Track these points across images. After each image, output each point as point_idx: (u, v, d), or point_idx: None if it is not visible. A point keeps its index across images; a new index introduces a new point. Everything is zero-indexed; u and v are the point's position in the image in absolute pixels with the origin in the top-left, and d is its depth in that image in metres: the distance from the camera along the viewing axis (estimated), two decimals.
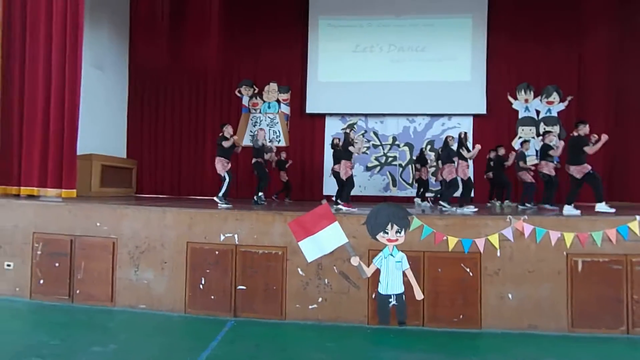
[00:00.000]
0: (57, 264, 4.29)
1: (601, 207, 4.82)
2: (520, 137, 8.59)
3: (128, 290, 4.21)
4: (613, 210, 4.70)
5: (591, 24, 8.36)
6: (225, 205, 5.17)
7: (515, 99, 8.69)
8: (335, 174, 6.30)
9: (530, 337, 3.73)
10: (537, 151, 8.34)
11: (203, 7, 8.92)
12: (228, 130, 5.76)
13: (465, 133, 6.28)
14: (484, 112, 8.60)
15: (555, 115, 8.60)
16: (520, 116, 8.70)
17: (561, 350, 3.45)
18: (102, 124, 7.96)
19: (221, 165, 5.66)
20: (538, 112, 8.67)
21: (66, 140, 5.88)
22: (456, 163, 5.90)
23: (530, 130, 8.63)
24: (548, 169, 6.10)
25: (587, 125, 5.23)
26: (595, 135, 5.72)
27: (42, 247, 4.33)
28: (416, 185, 8.02)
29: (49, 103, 5.96)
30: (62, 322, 3.83)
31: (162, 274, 4.18)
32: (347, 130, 6.11)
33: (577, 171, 5.03)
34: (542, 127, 8.59)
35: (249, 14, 8.88)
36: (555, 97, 8.60)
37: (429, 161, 7.76)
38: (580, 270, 3.85)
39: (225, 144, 5.60)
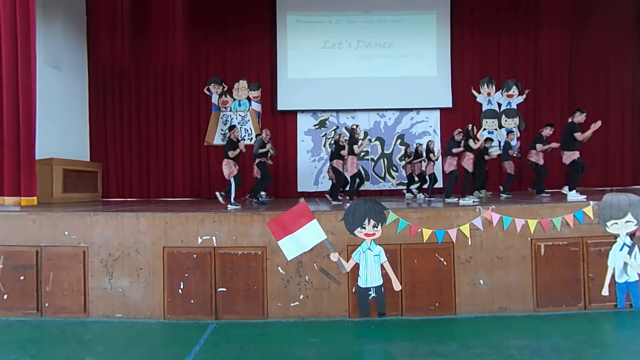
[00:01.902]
0: (22, 277, 4.05)
1: (565, 190, 5.23)
2: (484, 129, 9.02)
3: (102, 299, 4.06)
4: (582, 197, 4.92)
5: (546, 22, 8.90)
6: (234, 207, 5.05)
7: (479, 92, 9.10)
8: (335, 170, 6.26)
9: (501, 319, 3.99)
10: (499, 142, 8.81)
11: (166, 2, 8.58)
12: (235, 134, 5.60)
13: (473, 125, 6.41)
14: (450, 105, 8.94)
15: (515, 107, 9.10)
16: (483, 109, 9.12)
17: (529, 329, 3.70)
18: (61, 126, 7.52)
19: (228, 169, 5.46)
20: (500, 105, 9.13)
21: (22, 144, 5.53)
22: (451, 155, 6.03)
23: (493, 122, 9.07)
24: (537, 157, 6.42)
25: (584, 114, 5.43)
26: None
27: (3, 260, 4.06)
28: (407, 178, 8.07)
29: (1, 104, 5.56)
30: (32, 338, 3.63)
31: (138, 280, 4.06)
32: (354, 127, 6.06)
33: (566, 156, 5.34)
34: (504, 119, 9.08)
35: (215, 9, 8.66)
36: (514, 90, 9.09)
37: (423, 155, 7.69)
38: (543, 254, 4.14)
39: (232, 154, 5.44)
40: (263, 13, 8.83)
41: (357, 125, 6.15)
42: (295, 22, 8.83)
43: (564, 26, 8.87)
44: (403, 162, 8.14)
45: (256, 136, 7.20)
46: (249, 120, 8.89)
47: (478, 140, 6.07)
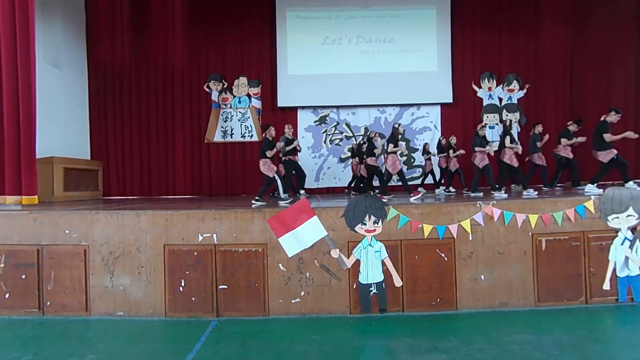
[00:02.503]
0: (23, 276, 4.06)
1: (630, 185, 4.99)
2: (485, 124, 8.96)
3: (103, 297, 4.07)
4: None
5: (548, 18, 8.83)
6: (287, 201, 5.09)
7: (480, 87, 9.05)
8: (371, 167, 6.24)
9: (502, 314, 3.98)
10: (500, 136, 8.74)
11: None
12: (271, 132, 5.63)
13: (511, 121, 6.38)
14: (451, 100, 8.89)
15: (516, 102, 9.05)
16: (484, 103, 9.07)
17: (530, 324, 3.70)
18: (62, 124, 7.52)
19: (268, 168, 5.56)
20: (501, 100, 9.08)
21: (23, 143, 5.53)
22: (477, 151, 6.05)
23: (494, 117, 9.03)
24: (565, 152, 6.43)
25: (619, 114, 5.31)
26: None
27: (5, 259, 4.07)
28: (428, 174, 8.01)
29: (1, 103, 5.56)
30: (34, 336, 3.65)
31: (139, 278, 4.07)
32: (396, 125, 6.06)
33: (602, 156, 5.23)
34: (505, 114, 9.02)
35: (214, 6, 8.62)
36: (515, 85, 9.04)
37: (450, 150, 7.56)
38: (544, 249, 4.13)
39: (269, 154, 5.49)
40: (262, 9, 8.79)
41: (399, 124, 6.12)
42: (295, 18, 8.78)
43: (565, 22, 8.81)
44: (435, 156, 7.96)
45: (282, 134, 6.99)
46: (249, 117, 8.87)
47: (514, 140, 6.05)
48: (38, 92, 5.73)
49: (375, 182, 6.73)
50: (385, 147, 6.09)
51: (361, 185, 7.09)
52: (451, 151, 7.32)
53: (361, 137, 8.74)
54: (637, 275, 4.13)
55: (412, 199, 5.09)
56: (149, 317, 4.04)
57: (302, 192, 6.42)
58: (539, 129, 7.09)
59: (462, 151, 7.28)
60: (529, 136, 7.15)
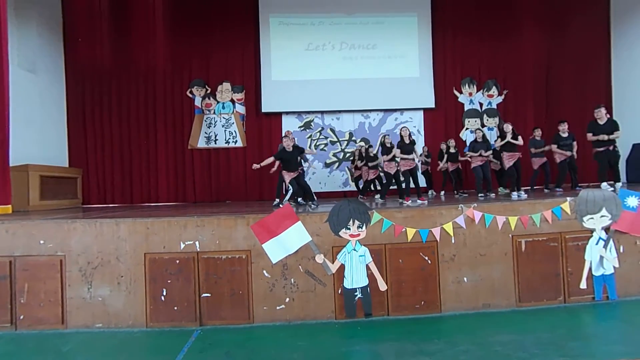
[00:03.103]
0: None
1: (604, 186, 5.32)
2: (467, 129, 9.17)
3: (81, 309, 3.94)
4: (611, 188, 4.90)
5: (525, 26, 9.12)
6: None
7: (461, 92, 9.25)
8: (386, 172, 6.22)
9: (485, 315, 4.05)
10: (496, 141, 8.86)
11: (147, 3, 8.43)
12: (286, 142, 5.64)
13: (507, 124, 6.41)
14: (433, 106, 9.05)
15: (495, 107, 9.29)
16: (465, 109, 9.28)
17: (513, 324, 3.77)
18: (38, 131, 7.29)
19: (287, 176, 5.67)
20: (481, 105, 9.30)
21: None
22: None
23: (476, 121, 9.23)
24: (558, 155, 6.56)
25: (601, 109, 5.47)
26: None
27: None
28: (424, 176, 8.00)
29: None
30: (6, 352, 3.49)
31: (119, 289, 3.96)
32: (402, 129, 6.07)
33: (593, 154, 5.48)
34: (485, 118, 9.25)
35: (197, 10, 8.56)
36: (494, 90, 9.29)
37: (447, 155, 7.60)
38: (523, 250, 4.23)
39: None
40: (246, 15, 8.77)
41: (404, 127, 6.17)
42: (279, 25, 8.81)
43: (541, 29, 9.13)
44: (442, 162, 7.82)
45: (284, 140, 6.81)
46: (233, 123, 8.81)
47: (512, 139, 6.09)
48: (12, 98, 5.53)
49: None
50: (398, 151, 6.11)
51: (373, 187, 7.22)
52: (446, 156, 7.43)
53: (364, 142, 8.71)
54: (611, 274, 4.27)
55: (399, 200, 5.14)
56: (129, 328, 3.93)
57: (299, 199, 6.37)
58: (537, 133, 7.04)
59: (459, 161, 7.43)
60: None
